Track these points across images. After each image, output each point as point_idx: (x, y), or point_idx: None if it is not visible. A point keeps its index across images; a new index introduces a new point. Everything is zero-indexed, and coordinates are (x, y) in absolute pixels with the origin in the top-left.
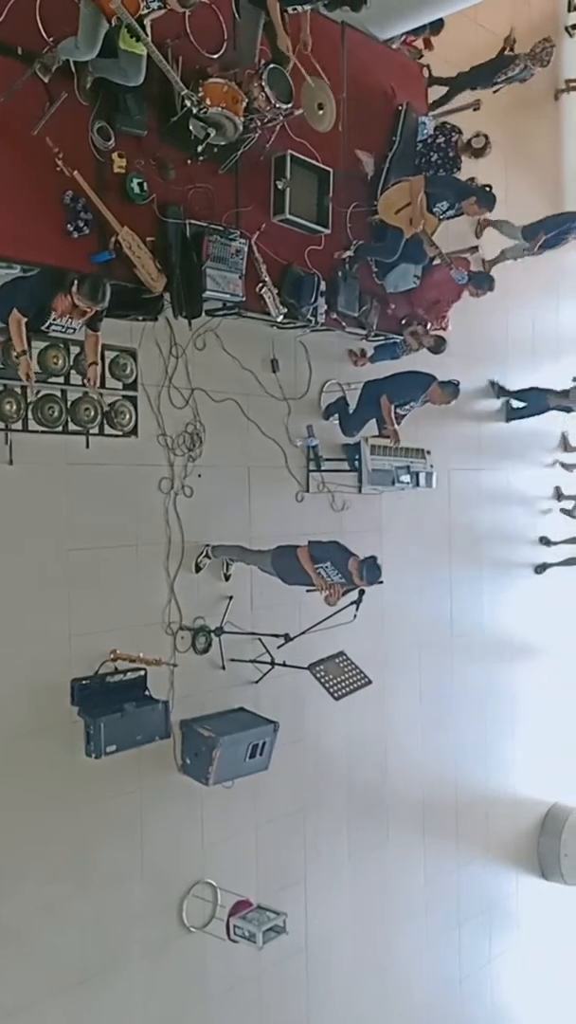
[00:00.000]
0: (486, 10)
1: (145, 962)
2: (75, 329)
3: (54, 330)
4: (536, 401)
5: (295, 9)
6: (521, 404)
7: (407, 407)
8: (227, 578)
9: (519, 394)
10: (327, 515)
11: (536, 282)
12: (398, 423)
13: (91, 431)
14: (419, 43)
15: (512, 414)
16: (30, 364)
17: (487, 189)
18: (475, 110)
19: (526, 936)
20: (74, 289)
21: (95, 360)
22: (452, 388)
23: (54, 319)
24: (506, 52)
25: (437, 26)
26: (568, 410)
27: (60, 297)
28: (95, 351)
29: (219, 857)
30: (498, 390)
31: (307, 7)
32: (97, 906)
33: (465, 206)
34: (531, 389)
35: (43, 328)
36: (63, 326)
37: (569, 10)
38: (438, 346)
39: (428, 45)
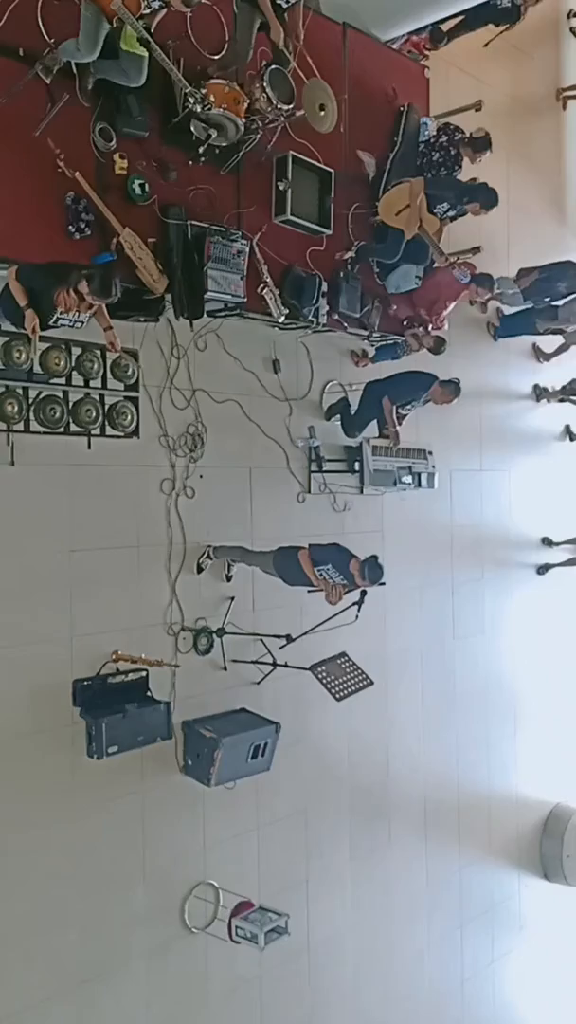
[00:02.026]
0: None
1: (147, 963)
2: (83, 322)
3: (61, 324)
4: (525, 314)
5: (287, 1)
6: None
7: (408, 407)
8: (229, 579)
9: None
10: (329, 516)
11: None
12: (399, 423)
13: (93, 432)
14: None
15: (501, 330)
16: (35, 318)
17: (488, 185)
18: (477, 111)
19: (529, 937)
20: (83, 286)
21: (109, 325)
22: (453, 387)
23: (60, 313)
24: None
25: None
26: (560, 332)
27: (62, 293)
28: (106, 317)
29: (221, 858)
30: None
31: None
32: (99, 907)
33: (467, 204)
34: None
35: (51, 324)
36: (71, 320)
37: (569, 17)
38: (438, 346)
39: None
